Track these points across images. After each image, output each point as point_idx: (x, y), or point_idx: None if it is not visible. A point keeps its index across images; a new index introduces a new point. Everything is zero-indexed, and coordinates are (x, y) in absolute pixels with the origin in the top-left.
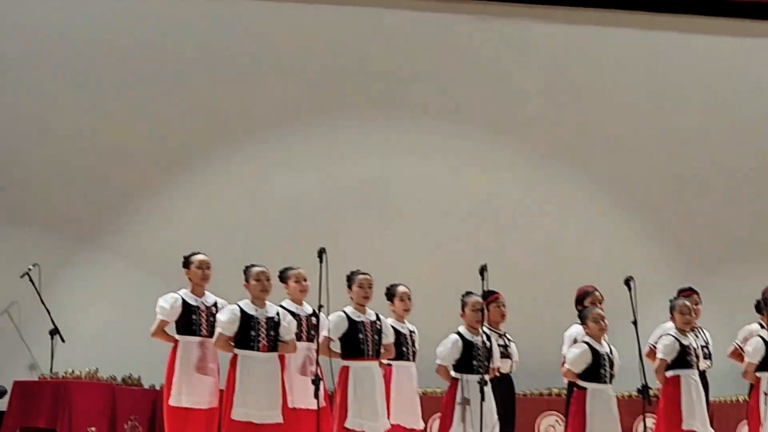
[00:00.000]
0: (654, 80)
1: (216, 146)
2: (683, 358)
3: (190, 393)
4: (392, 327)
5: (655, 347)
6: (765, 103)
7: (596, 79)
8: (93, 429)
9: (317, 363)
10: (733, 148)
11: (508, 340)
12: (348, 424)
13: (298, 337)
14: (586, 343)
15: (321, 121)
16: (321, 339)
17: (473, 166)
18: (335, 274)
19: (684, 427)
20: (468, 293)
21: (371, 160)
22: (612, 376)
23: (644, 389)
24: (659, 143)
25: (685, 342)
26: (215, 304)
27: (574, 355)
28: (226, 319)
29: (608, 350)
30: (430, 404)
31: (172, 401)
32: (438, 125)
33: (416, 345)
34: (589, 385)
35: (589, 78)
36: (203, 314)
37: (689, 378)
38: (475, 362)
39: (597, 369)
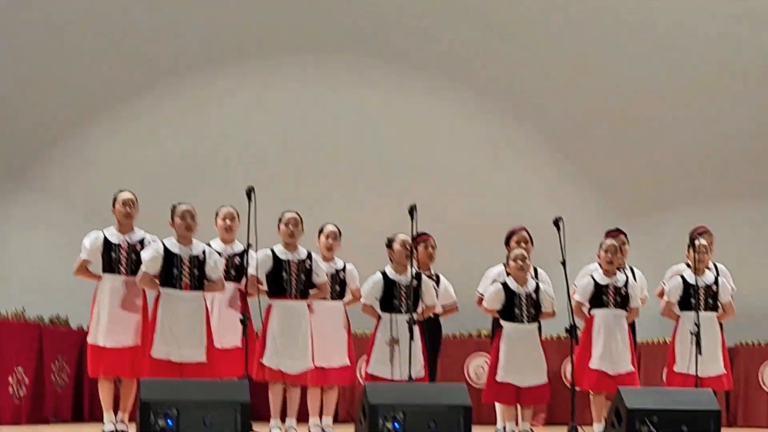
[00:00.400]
0: (587, 17)
1: (144, 85)
2: (599, 298)
3: (111, 331)
4: None
5: (577, 288)
6: (698, 48)
7: (527, 17)
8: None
9: (245, 302)
10: (666, 92)
11: (437, 281)
12: (265, 361)
13: (227, 277)
14: (503, 283)
15: (249, 59)
16: (248, 277)
17: (404, 105)
18: (269, 213)
19: (591, 366)
20: (396, 233)
21: (303, 99)
22: (533, 315)
23: (572, 329)
24: (592, 85)
25: (603, 281)
26: (141, 241)
27: (489, 294)
28: (149, 257)
29: (531, 290)
30: (362, 344)
31: (91, 339)
32: (371, 63)
33: (348, 284)
34: (505, 324)
35: (521, 15)
36: (123, 252)
37: (604, 316)
38: (396, 301)
39: (512, 308)
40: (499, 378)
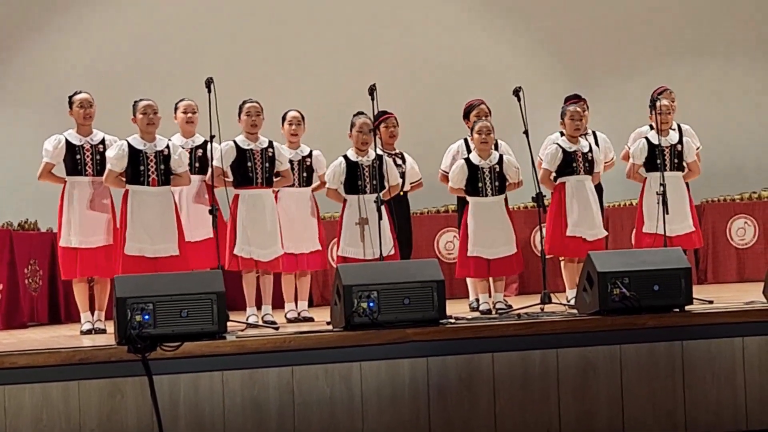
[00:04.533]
0: None
1: None
2: (568, 165)
3: (80, 233)
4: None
5: (542, 159)
6: None
7: None
8: None
9: (212, 193)
10: None
11: (403, 160)
12: (236, 251)
13: (191, 170)
14: (466, 159)
15: None
16: (213, 168)
17: None
18: (227, 103)
19: (568, 233)
20: (357, 114)
21: None
22: (498, 188)
23: (539, 197)
24: None
25: (570, 149)
26: (102, 142)
27: (453, 172)
28: (114, 155)
29: (495, 162)
30: (332, 228)
31: (62, 242)
32: None
33: (316, 170)
34: (471, 199)
35: None
36: (88, 153)
37: (574, 183)
38: (360, 182)
39: (476, 183)
40: (469, 252)
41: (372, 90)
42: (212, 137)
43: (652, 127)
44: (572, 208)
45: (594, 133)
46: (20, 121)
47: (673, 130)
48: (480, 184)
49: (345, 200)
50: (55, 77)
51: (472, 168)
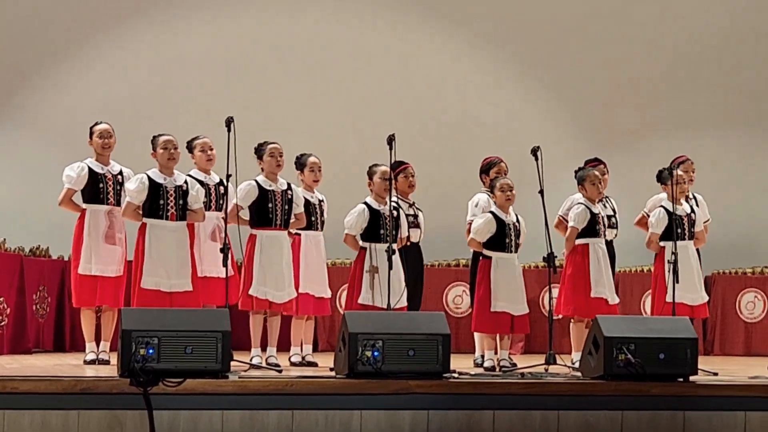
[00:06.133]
0: None
1: (122, 14)
2: (593, 227)
3: (98, 261)
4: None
5: (564, 218)
6: None
7: None
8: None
9: (225, 232)
10: (644, 18)
11: (417, 209)
12: (252, 292)
13: (207, 207)
14: (492, 212)
15: None
16: (230, 207)
17: (385, 36)
18: (243, 143)
19: (593, 294)
20: (375, 164)
21: (282, 28)
22: (517, 245)
23: (550, 258)
24: (569, 15)
25: (594, 210)
26: (120, 173)
27: (478, 225)
28: (134, 188)
29: (514, 220)
30: (339, 274)
31: (81, 270)
32: None
33: (325, 214)
34: (494, 254)
35: None
36: (110, 182)
37: (597, 246)
38: (381, 231)
39: (502, 238)
40: (494, 308)
41: (391, 140)
42: (229, 176)
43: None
44: (598, 269)
45: (608, 198)
46: (39, 149)
47: (691, 199)
48: (507, 240)
49: (363, 248)
50: (75, 108)
51: (500, 223)
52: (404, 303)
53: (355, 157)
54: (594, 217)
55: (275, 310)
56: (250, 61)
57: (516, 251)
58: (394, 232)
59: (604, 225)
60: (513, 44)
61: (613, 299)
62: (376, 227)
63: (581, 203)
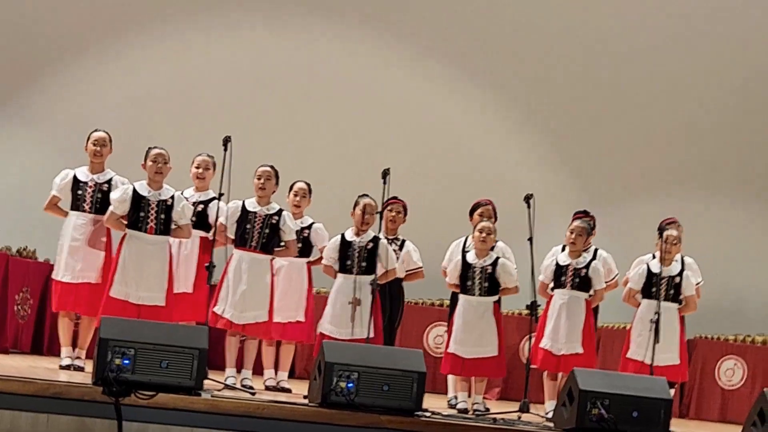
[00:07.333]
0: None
1: (131, 23)
2: (559, 278)
3: (76, 268)
4: None
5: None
6: (671, 32)
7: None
8: None
9: (210, 250)
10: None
11: (400, 247)
12: (215, 309)
13: (196, 225)
14: (464, 254)
15: (233, 6)
16: (218, 225)
17: (382, 74)
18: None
19: (540, 345)
20: (362, 195)
21: (286, 51)
22: (485, 288)
23: (532, 306)
24: (570, 67)
25: (563, 262)
26: (109, 182)
27: (449, 267)
28: (117, 197)
29: (489, 263)
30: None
31: (54, 274)
32: (348, 24)
33: (315, 242)
34: (460, 296)
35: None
36: (90, 190)
37: (559, 298)
38: (349, 262)
39: (465, 281)
40: (449, 349)
41: (385, 174)
42: (221, 195)
43: (654, 256)
44: (550, 320)
45: (595, 251)
46: (38, 149)
47: (677, 261)
48: (469, 283)
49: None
50: (76, 111)
51: (465, 266)
52: (372, 336)
53: (350, 187)
54: (561, 268)
55: (245, 333)
56: (254, 83)
57: (484, 294)
58: (363, 264)
59: (578, 276)
60: (516, 95)
61: (560, 350)
62: (345, 258)
63: (552, 256)
